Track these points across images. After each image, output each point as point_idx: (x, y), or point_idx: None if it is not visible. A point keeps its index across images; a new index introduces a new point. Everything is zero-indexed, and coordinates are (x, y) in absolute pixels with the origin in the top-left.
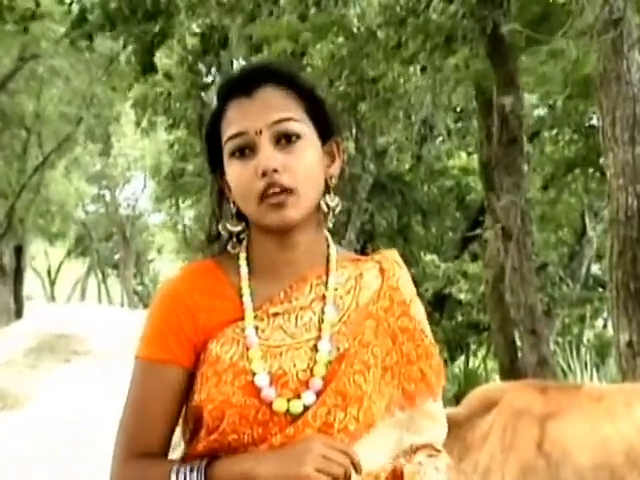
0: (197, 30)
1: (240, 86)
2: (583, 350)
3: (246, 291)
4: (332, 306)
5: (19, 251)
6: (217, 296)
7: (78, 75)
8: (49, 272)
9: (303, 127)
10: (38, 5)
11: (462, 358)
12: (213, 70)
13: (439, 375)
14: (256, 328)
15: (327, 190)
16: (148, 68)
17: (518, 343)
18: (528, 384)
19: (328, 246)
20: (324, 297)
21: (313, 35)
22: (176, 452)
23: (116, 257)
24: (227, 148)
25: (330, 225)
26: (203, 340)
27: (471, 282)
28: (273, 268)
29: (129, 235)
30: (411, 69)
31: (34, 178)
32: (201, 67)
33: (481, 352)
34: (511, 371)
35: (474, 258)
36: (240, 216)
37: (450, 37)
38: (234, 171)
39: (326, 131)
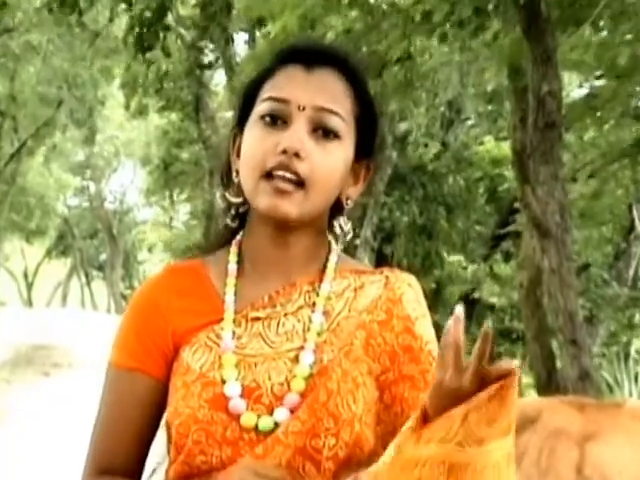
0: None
1: (302, 55)
2: (631, 361)
3: (230, 290)
4: (320, 314)
5: None
6: (196, 297)
7: (58, 52)
8: (26, 274)
9: (346, 131)
10: None
11: None
12: (212, 47)
13: None
14: (232, 333)
15: (339, 211)
16: (152, 45)
17: (557, 354)
18: (565, 401)
19: (329, 252)
20: (314, 305)
21: (323, 8)
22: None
23: (102, 257)
24: (260, 107)
25: (341, 247)
26: (175, 346)
27: (503, 285)
28: (262, 268)
29: (116, 232)
30: (435, 43)
31: (9, 167)
32: (199, 42)
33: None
34: (549, 386)
35: (506, 258)
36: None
37: (480, 9)
38: (254, 134)
39: (364, 149)
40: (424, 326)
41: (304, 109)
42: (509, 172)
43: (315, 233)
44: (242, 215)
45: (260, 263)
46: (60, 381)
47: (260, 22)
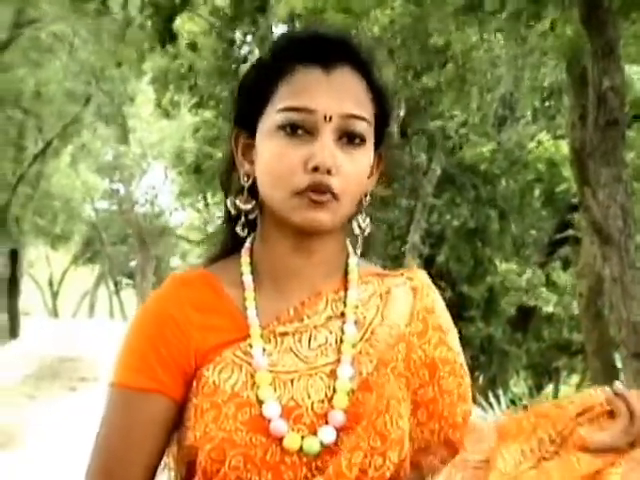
0: None
1: (316, 53)
2: None
3: (251, 304)
4: (352, 324)
5: (14, 257)
6: (213, 311)
7: (86, 44)
8: (51, 282)
9: (369, 132)
10: None
11: (550, 387)
12: (249, 39)
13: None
14: (262, 350)
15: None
16: (167, 36)
17: (619, 368)
18: None
19: (347, 257)
20: (342, 315)
21: (368, 2)
22: None
23: (132, 264)
24: (279, 117)
25: (359, 250)
26: (196, 366)
27: (561, 294)
28: (282, 278)
29: (147, 237)
30: (487, 36)
31: (33, 169)
32: (234, 35)
33: (574, 379)
34: None
35: (564, 265)
36: (252, 192)
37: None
38: (277, 147)
39: (379, 141)
40: (454, 337)
41: (331, 119)
42: (567, 172)
43: (338, 237)
44: (251, 221)
45: (280, 273)
46: (87, 396)
47: (300, 17)
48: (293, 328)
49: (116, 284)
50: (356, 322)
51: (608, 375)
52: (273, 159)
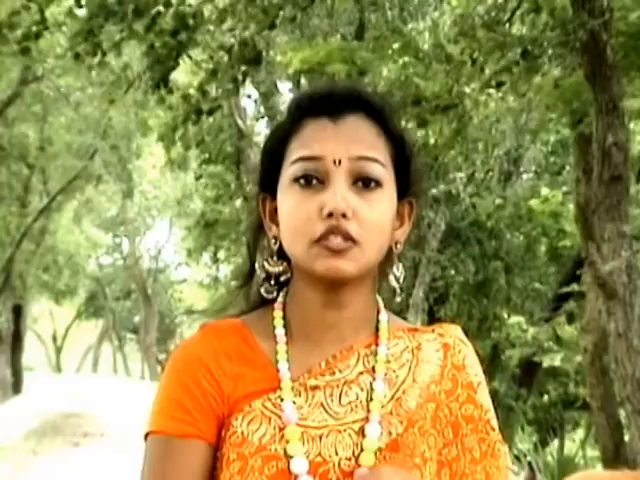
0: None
1: (325, 105)
2: None
3: (283, 357)
4: (382, 381)
5: (18, 312)
6: (245, 361)
7: (91, 100)
8: (54, 337)
9: (387, 175)
10: (44, 20)
11: (555, 442)
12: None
13: None
14: (292, 404)
15: (389, 257)
16: (162, 84)
17: (625, 425)
18: (632, 476)
19: (378, 312)
20: (374, 370)
21: (372, 55)
22: None
23: (135, 319)
24: (292, 170)
25: (398, 300)
26: (229, 413)
27: (567, 349)
28: (314, 332)
29: (151, 293)
30: (491, 90)
31: (37, 224)
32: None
33: (579, 435)
34: (616, 459)
35: (570, 319)
36: (281, 255)
37: (536, 53)
38: (293, 200)
39: (405, 188)
40: (484, 393)
41: (340, 163)
42: (572, 227)
43: (367, 291)
44: (282, 283)
45: (312, 328)
46: (91, 452)
47: (303, 71)
48: (324, 382)
49: (120, 339)
50: (388, 380)
51: (613, 431)
52: (290, 212)
